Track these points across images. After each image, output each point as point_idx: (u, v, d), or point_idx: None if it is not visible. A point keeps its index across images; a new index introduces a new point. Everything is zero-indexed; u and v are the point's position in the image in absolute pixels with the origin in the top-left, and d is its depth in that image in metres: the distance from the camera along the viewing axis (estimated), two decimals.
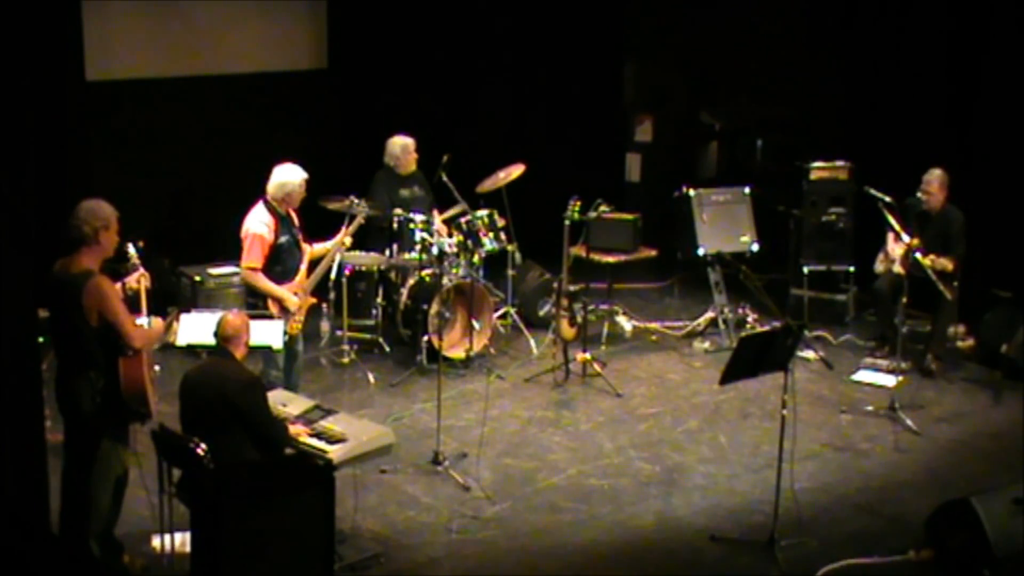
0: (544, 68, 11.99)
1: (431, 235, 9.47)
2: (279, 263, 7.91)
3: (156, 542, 6.53)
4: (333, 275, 9.49)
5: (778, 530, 6.91)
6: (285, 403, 6.82)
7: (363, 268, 9.77)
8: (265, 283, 7.86)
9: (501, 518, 7.30)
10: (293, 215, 8.04)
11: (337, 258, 9.17)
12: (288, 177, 7.93)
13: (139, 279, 6.71)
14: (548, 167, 11.15)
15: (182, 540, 6.35)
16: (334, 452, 6.31)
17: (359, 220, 8.52)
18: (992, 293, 9.74)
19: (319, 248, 8.24)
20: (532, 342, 9.98)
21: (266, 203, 7.92)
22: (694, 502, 7.56)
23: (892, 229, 9.05)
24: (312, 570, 5.96)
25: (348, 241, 8.39)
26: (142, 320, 6.55)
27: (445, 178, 9.90)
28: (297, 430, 6.51)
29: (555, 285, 9.61)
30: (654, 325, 10.57)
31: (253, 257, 7.85)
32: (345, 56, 11.25)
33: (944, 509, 6.75)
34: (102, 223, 6.27)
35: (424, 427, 8.42)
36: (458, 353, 9.52)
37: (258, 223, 7.86)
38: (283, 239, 7.90)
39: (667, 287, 11.53)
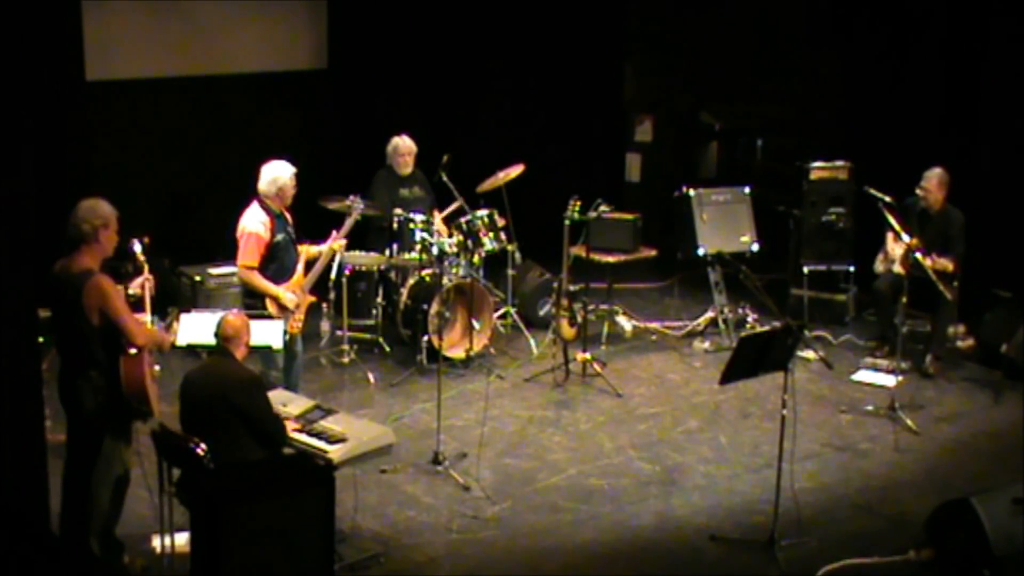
0: (544, 68, 11.98)
1: (431, 235, 9.47)
2: (275, 261, 7.91)
3: (156, 542, 6.53)
4: (333, 275, 9.50)
5: (778, 530, 6.91)
6: (285, 403, 6.82)
7: (363, 268, 9.77)
8: (261, 281, 7.85)
9: (501, 518, 7.30)
10: (287, 214, 8.04)
11: (336, 257, 9.17)
12: (278, 173, 7.93)
13: (143, 284, 6.71)
14: (548, 167, 11.15)
15: (182, 540, 6.36)
16: (334, 452, 6.31)
17: (354, 218, 8.52)
18: (992, 293, 9.73)
19: (314, 249, 8.23)
20: (532, 342, 9.98)
21: (260, 202, 7.91)
22: (694, 502, 7.56)
23: (892, 229, 9.04)
24: (312, 570, 5.95)
25: (342, 243, 8.38)
26: (145, 318, 6.55)
27: (445, 178, 9.90)
28: (296, 428, 6.51)
29: (555, 285, 9.60)
30: (654, 325, 10.57)
31: (249, 255, 7.84)
32: (345, 56, 11.25)
33: (944, 509, 6.74)
34: (101, 222, 6.26)
35: (424, 427, 8.42)
36: (458, 353, 9.52)
37: (255, 222, 7.86)
38: (279, 237, 7.90)
39: (667, 287, 11.53)
